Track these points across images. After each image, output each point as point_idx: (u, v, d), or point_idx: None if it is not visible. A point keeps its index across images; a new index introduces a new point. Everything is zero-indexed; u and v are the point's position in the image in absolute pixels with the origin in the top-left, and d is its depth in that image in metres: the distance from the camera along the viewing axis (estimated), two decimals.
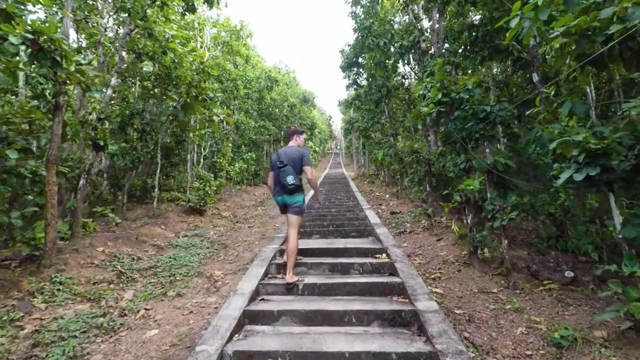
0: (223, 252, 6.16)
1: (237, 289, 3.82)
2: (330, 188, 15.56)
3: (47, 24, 4.46)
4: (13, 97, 6.78)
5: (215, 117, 9.93)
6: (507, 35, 3.55)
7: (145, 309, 3.87)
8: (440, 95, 5.47)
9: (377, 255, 4.75)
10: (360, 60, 18.09)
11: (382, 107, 17.32)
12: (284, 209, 4.37)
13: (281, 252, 5.17)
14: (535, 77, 5.81)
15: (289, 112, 20.95)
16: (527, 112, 6.26)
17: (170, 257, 5.74)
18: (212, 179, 10.60)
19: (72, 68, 4.20)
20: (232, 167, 12.52)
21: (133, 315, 3.73)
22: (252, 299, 3.69)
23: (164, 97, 8.47)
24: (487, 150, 5.36)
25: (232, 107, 17.44)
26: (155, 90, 7.78)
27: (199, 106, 9.35)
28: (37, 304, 3.83)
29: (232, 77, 13.29)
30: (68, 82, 4.56)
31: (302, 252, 4.89)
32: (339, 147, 65.12)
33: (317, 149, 39.35)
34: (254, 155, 15.21)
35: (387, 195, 12.17)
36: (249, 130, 15.67)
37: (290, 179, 4.14)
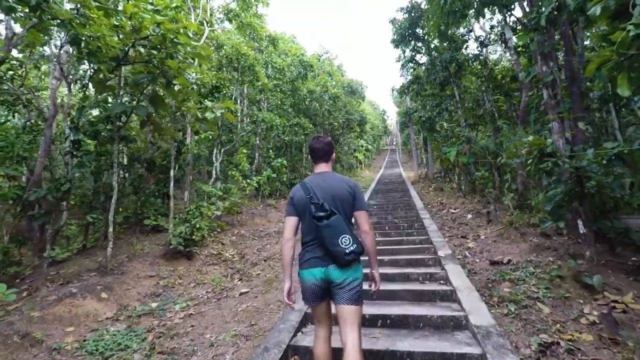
0: None
1: None
2: (383, 201, 11.81)
3: None
4: None
5: (209, 114, 6.83)
6: None
7: None
8: None
9: None
10: (418, 30, 14.03)
11: (451, 89, 13.09)
12: (323, 293, 2.18)
13: None
14: None
15: (331, 106, 17.40)
16: None
17: None
18: (213, 202, 7.56)
19: None
20: (247, 180, 9.41)
21: None
22: None
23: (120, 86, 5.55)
24: None
25: (261, 102, 14.49)
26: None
27: (178, 98, 6.33)
28: None
29: (249, 62, 10.19)
30: None
31: None
32: (394, 143, 60.51)
33: (369, 146, 35.36)
34: (284, 162, 12.02)
35: (470, 215, 8.17)
36: (276, 129, 12.50)
37: (346, 241, 2.05)
